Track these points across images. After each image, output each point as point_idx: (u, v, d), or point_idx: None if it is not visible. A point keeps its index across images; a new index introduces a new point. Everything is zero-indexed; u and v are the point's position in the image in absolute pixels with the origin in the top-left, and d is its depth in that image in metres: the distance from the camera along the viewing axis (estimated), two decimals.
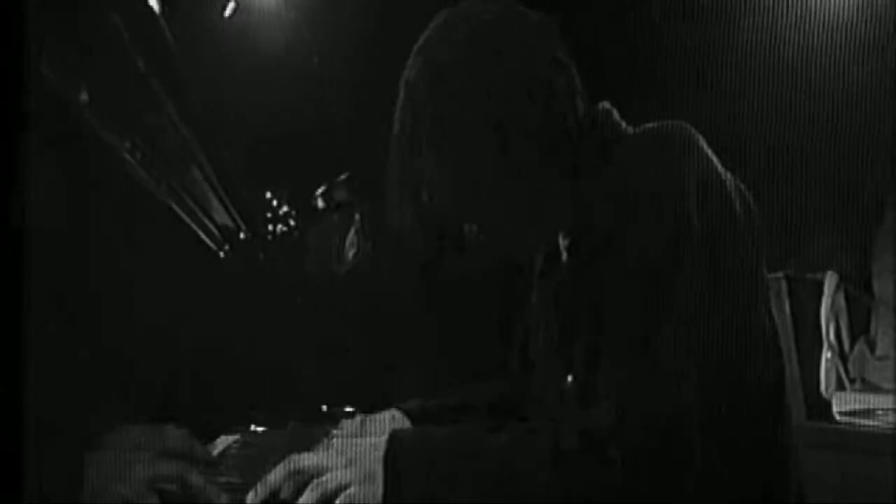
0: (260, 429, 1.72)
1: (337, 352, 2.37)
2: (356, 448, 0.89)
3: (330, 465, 0.88)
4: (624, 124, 1.02)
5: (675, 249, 0.86)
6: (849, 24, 1.64)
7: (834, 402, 2.10)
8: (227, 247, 1.87)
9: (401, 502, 0.85)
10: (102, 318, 1.11)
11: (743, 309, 0.89)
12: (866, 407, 2.09)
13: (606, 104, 1.03)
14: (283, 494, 0.90)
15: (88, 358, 1.05)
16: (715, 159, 0.94)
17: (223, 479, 1.08)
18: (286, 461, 0.91)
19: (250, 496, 0.90)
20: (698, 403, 0.82)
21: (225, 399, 1.61)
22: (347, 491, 0.85)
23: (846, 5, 1.75)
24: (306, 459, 0.91)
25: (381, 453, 0.87)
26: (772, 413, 0.95)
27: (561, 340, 1.04)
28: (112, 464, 0.88)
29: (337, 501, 0.86)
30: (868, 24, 1.68)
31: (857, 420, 2.03)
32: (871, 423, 2.01)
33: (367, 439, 0.92)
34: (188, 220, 1.53)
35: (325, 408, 1.96)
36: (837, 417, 2.05)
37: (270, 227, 2.44)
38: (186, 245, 1.57)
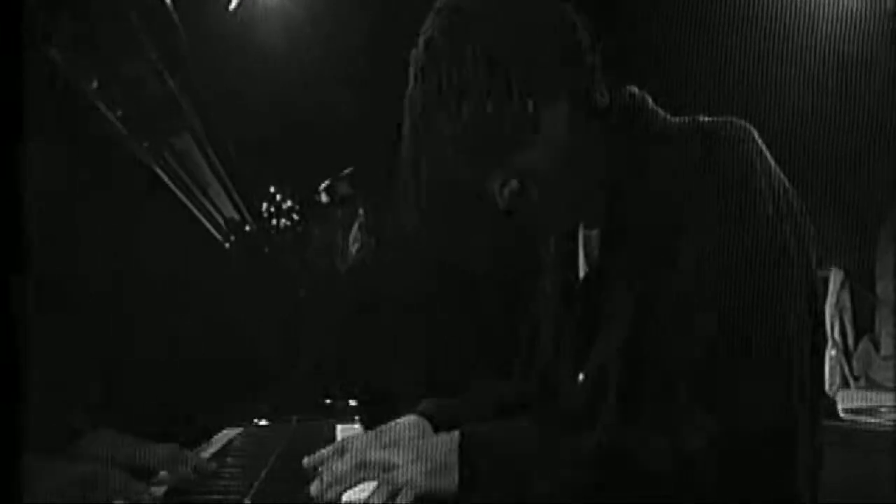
0: (263, 422, 1.72)
1: (339, 346, 2.37)
2: (424, 444, 0.87)
3: (398, 459, 0.85)
4: (661, 112, 0.98)
5: (752, 253, 0.83)
6: (851, 25, 1.64)
7: (838, 399, 2.10)
8: (232, 238, 1.86)
9: (477, 496, 0.82)
10: (104, 310, 1.11)
11: (802, 315, 0.87)
12: (871, 405, 2.08)
13: (634, 88, 1.00)
14: (347, 485, 0.86)
15: (88, 350, 1.05)
16: (763, 164, 0.89)
17: (224, 481, 1.07)
18: (355, 452, 0.88)
19: (314, 486, 0.86)
20: (786, 418, 0.80)
21: (228, 392, 1.61)
22: (417, 485, 0.82)
23: (850, 6, 1.75)
24: (375, 453, 0.87)
25: (453, 447, 0.84)
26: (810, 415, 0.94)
27: (578, 338, 1.02)
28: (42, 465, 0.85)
29: (403, 498, 0.82)
30: (869, 24, 1.68)
31: (861, 418, 2.03)
32: (875, 420, 2.00)
33: (435, 437, 0.88)
34: (195, 211, 1.53)
35: (328, 402, 1.96)
36: (842, 415, 2.05)
37: (275, 222, 2.44)
38: (192, 236, 1.57)
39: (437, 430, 1.10)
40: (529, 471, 0.82)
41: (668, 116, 0.98)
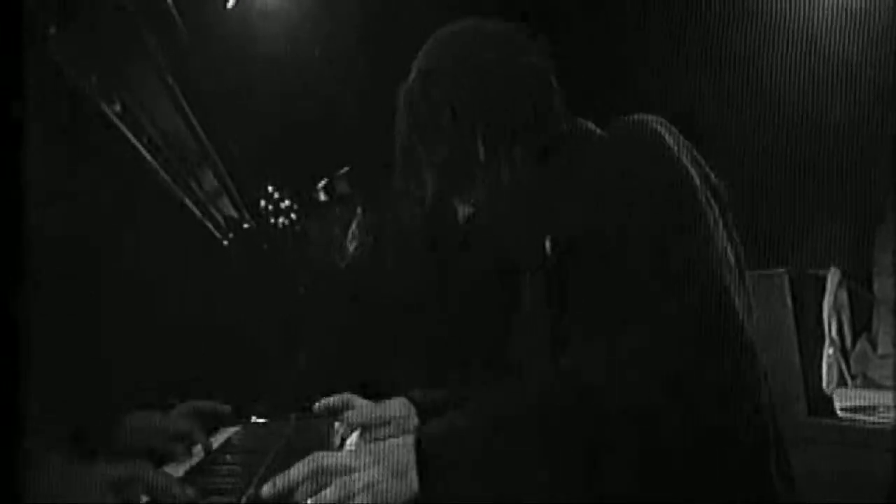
0: (261, 420, 1.72)
1: (338, 343, 2.37)
2: (381, 446, 0.86)
3: (356, 463, 0.84)
4: (598, 131, 1.09)
5: (647, 244, 0.90)
6: (852, 24, 1.64)
7: (836, 398, 2.10)
8: (231, 236, 1.87)
9: (439, 497, 0.82)
10: (102, 308, 1.11)
11: (712, 298, 0.90)
12: (868, 404, 2.08)
13: (581, 119, 1.12)
14: (303, 492, 0.84)
15: (89, 346, 1.05)
16: (681, 150, 0.98)
17: (222, 478, 1.08)
18: (309, 458, 0.86)
19: (267, 488, 0.84)
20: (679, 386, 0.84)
21: (226, 390, 1.61)
22: (376, 488, 0.82)
23: (848, 4, 1.75)
24: (331, 458, 0.86)
25: (410, 449, 0.84)
26: (745, 408, 0.94)
27: (552, 338, 1.06)
28: (69, 469, 0.83)
29: (362, 500, 0.82)
30: (870, 24, 1.68)
31: (858, 416, 2.03)
32: (872, 419, 2.01)
33: (392, 441, 0.88)
34: (194, 209, 1.53)
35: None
36: (840, 414, 2.05)
37: (273, 220, 2.44)
38: (191, 233, 1.57)
39: (421, 415, 1.23)
40: (488, 465, 0.84)
41: (600, 131, 1.10)
